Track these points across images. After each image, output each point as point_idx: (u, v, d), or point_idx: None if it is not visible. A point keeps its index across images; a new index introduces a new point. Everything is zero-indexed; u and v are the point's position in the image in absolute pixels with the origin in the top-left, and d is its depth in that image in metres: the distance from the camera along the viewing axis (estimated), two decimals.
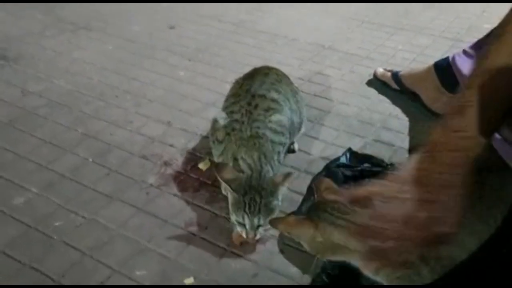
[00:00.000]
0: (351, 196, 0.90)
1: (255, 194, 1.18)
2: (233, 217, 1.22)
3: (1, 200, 1.39)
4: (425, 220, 0.77)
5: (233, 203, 1.21)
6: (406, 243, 0.80)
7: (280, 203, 1.23)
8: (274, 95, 1.38)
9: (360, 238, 0.85)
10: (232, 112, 1.35)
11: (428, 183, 0.78)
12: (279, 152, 1.34)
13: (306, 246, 0.95)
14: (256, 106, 1.33)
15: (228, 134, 1.31)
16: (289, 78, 1.57)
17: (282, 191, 1.23)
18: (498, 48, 0.80)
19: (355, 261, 0.94)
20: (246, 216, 1.18)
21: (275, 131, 1.34)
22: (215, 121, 1.38)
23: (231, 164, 1.27)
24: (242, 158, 1.27)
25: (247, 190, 1.19)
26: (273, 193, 1.20)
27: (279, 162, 1.36)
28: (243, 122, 1.31)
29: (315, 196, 1.03)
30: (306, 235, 0.92)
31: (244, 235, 1.20)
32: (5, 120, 1.71)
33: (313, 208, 0.97)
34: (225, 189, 1.23)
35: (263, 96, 1.36)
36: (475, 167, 0.91)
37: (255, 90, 1.37)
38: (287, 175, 1.22)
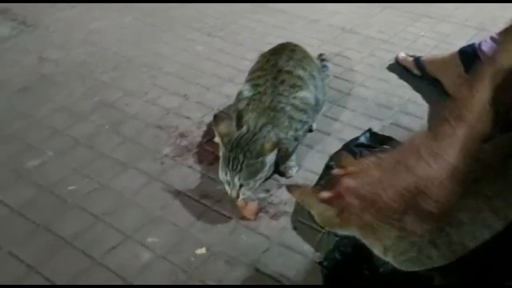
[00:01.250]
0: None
1: (240, 152, 1.19)
2: (219, 172, 1.23)
3: (16, 163, 1.39)
4: (411, 187, 0.75)
5: (221, 157, 1.22)
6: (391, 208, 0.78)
7: (267, 168, 1.23)
8: (300, 72, 1.37)
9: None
10: (257, 85, 1.34)
11: (422, 153, 0.76)
12: (296, 129, 1.33)
13: (316, 217, 0.94)
14: (282, 82, 1.32)
15: (248, 104, 1.31)
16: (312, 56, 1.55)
17: (269, 158, 1.22)
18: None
19: (362, 238, 0.93)
20: (228, 173, 1.19)
21: (297, 108, 1.32)
22: (239, 92, 1.37)
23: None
24: (248, 120, 1.28)
25: (234, 146, 1.20)
26: (258, 156, 1.19)
27: (295, 139, 1.34)
28: (265, 94, 1.31)
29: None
30: (319, 206, 0.91)
31: (228, 192, 1.22)
32: (22, 85, 1.72)
33: (330, 181, 0.96)
34: (218, 141, 1.24)
35: (290, 73, 1.35)
36: (500, 156, 0.89)
37: (282, 65, 1.36)
38: (275, 143, 1.22)
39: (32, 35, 2.02)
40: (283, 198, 1.31)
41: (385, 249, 0.88)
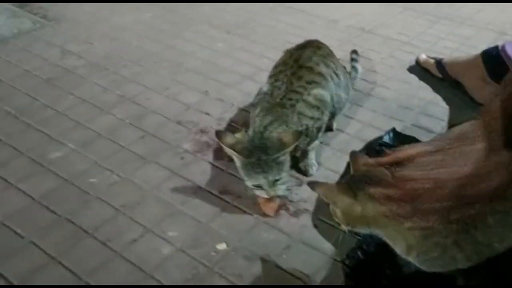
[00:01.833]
0: (392, 158, 0.91)
1: (260, 153, 1.18)
2: (248, 183, 1.21)
3: (39, 153, 1.40)
4: (466, 176, 0.76)
5: (242, 168, 1.20)
6: (443, 194, 0.80)
7: (288, 158, 1.23)
8: (322, 68, 1.36)
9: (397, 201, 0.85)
10: (276, 80, 1.34)
11: (474, 141, 0.77)
12: (306, 126, 1.31)
13: (339, 214, 0.93)
14: (299, 78, 1.32)
15: (261, 99, 1.31)
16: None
17: (290, 149, 1.21)
18: None
19: (384, 236, 0.93)
20: (259, 176, 1.18)
21: (309, 104, 1.31)
22: (260, 89, 1.38)
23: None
24: (255, 118, 1.27)
25: (251, 150, 1.19)
26: (279, 150, 1.18)
27: (307, 135, 1.32)
28: (279, 89, 1.31)
29: (351, 169, 1.02)
30: (343, 203, 0.91)
31: (265, 196, 1.21)
32: (45, 77, 1.73)
33: (352, 179, 0.96)
34: (231, 154, 1.22)
35: (310, 69, 1.34)
36: None
37: (304, 61, 1.36)
38: (296, 134, 1.21)
39: (54, 29, 2.04)
40: (303, 196, 1.31)
41: (408, 247, 0.88)
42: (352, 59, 1.76)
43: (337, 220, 0.93)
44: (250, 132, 1.26)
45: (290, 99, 1.29)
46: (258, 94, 1.37)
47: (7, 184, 1.30)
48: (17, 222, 1.21)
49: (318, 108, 1.33)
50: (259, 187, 1.21)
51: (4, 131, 1.48)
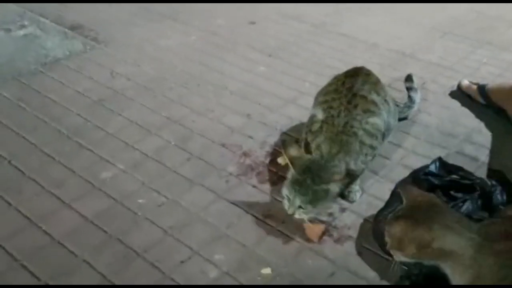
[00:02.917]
0: None
1: (309, 177, 1.22)
2: (283, 189, 1.26)
3: (90, 174, 1.46)
4: None
5: (290, 178, 1.26)
6: None
7: (329, 198, 1.26)
8: (374, 97, 1.39)
9: None
10: (330, 107, 1.37)
11: None
12: (366, 154, 1.34)
13: (411, 249, 0.94)
14: (356, 106, 1.35)
15: (321, 127, 1.34)
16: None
17: (333, 187, 1.25)
18: None
19: (451, 269, 0.94)
20: (292, 193, 1.22)
21: (368, 133, 1.34)
22: (313, 115, 1.41)
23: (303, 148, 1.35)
24: (319, 146, 1.31)
25: (305, 170, 1.24)
26: (323, 183, 1.22)
27: (364, 163, 1.35)
28: (338, 117, 1.34)
29: (404, 200, 1.02)
30: (421, 238, 0.92)
31: (285, 208, 1.25)
32: (95, 98, 1.81)
33: (414, 210, 0.97)
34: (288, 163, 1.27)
35: (364, 97, 1.37)
36: None
37: (357, 89, 1.38)
38: (343, 177, 1.25)
39: (103, 51, 2.13)
40: (346, 222, 1.32)
41: (478, 278, 0.89)
42: (407, 88, 1.75)
43: (396, 254, 0.94)
44: (317, 155, 1.29)
45: (352, 126, 1.33)
46: (311, 121, 1.40)
47: (62, 204, 1.36)
48: (71, 241, 1.26)
49: (376, 137, 1.37)
50: (287, 198, 1.25)
51: (57, 151, 1.55)
